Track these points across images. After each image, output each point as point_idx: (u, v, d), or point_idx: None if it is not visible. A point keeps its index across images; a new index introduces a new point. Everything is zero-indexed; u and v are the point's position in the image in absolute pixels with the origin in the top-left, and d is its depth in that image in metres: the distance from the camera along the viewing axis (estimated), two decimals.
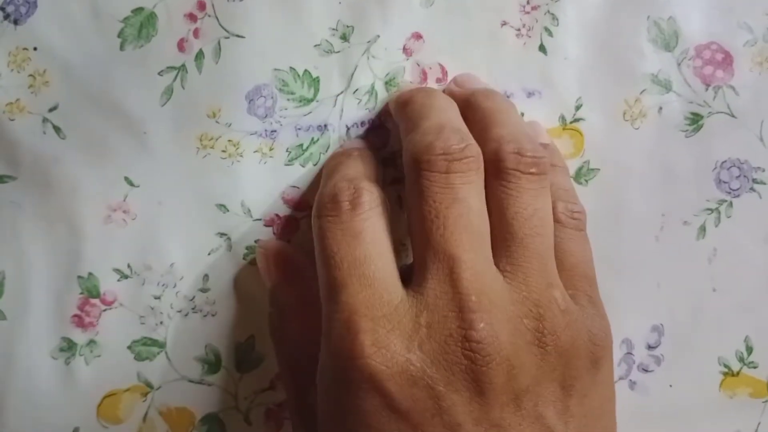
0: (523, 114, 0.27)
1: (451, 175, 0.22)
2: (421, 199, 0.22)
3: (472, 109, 0.25)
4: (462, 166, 0.22)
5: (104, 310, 0.27)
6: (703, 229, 0.28)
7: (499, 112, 0.24)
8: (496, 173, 0.22)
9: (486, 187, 0.23)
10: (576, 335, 0.21)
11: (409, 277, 0.22)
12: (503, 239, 0.22)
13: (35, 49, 0.26)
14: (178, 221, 0.27)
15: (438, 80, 0.27)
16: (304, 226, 0.27)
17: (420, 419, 0.19)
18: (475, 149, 0.22)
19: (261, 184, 0.27)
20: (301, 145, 0.27)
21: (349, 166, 0.25)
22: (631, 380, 0.28)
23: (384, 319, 0.20)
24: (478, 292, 0.20)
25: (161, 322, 0.27)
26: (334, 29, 0.27)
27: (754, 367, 0.28)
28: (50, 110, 0.26)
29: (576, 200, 0.25)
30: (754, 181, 0.28)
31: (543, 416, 0.20)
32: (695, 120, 0.27)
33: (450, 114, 0.24)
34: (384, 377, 0.19)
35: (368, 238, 0.22)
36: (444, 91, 0.27)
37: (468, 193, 0.22)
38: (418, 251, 0.22)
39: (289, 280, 0.26)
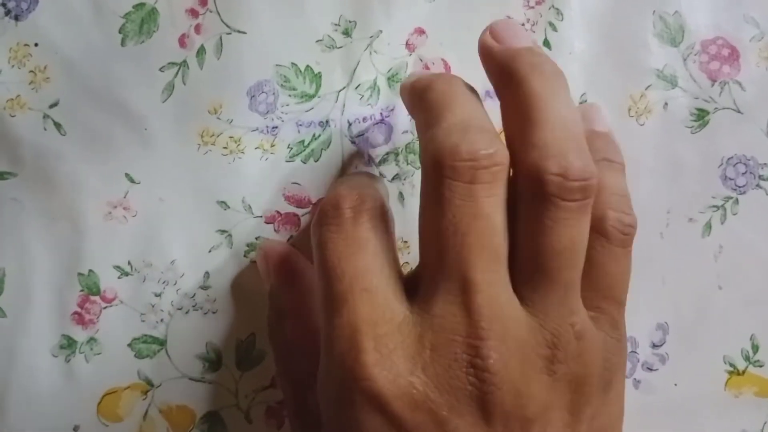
0: None
1: (476, 186, 0.19)
2: (440, 209, 0.19)
3: (513, 87, 0.21)
4: (488, 176, 0.19)
5: (104, 308, 0.27)
6: (708, 226, 0.27)
7: (546, 99, 0.20)
8: (534, 195, 0.19)
9: (520, 205, 0.20)
10: (589, 362, 0.20)
11: (414, 287, 0.21)
12: (529, 267, 0.20)
13: (36, 45, 0.26)
14: (178, 218, 0.26)
15: None
16: (305, 223, 0.27)
17: None
18: (503, 155, 0.19)
19: (262, 181, 0.27)
20: (303, 141, 0.27)
21: (353, 178, 0.24)
22: (635, 379, 0.27)
23: (386, 338, 0.19)
24: (490, 318, 0.19)
25: (162, 320, 0.27)
26: (336, 24, 0.27)
27: (760, 366, 0.28)
28: (51, 106, 0.26)
29: (630, 210, 0.22)
30: (761, 177, 0.27)
31: None
32: (701, 116, 0.27)
33: (475, 106, 0.21)
34: (388, 399, 0.19)
35: (371, 248, 0.20)
36: (480, 45, 0.22)
37: (492, 209, 0.19)
38: (428, 265, 0.20)
39: (288, 281, 0.25)
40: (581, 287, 0.21)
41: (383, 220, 0.21)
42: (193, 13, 0.26)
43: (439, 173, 0.19)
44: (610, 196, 0.22)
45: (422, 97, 0.22)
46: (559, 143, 0.19)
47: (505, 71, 0.21)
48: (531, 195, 0.19)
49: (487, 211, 0.19)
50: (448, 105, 0.21)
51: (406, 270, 0.24)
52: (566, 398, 0.20)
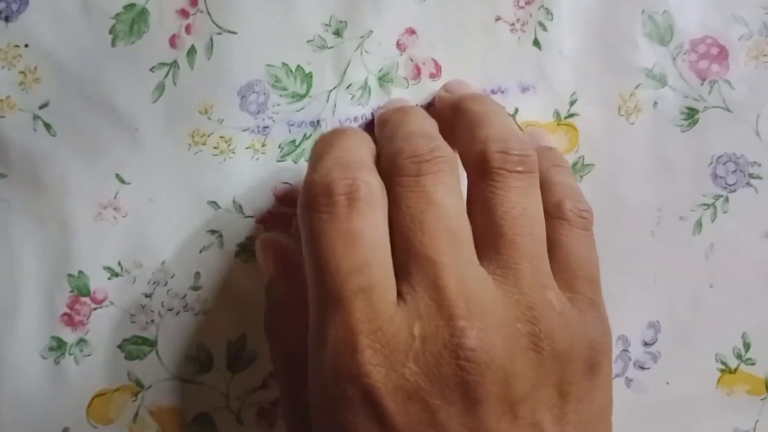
0: (517, 109, 0.27)
1: (422, 177, 0.21)
2: (395, 205, 0.21)
3: (460, 114, 0.24)
4: (432, 167, 0.21)
5: (94, 309, 0.26)
6: (699, 224, 0.27)
7: (487, 114, 0.23)
8: (482, 174, 0.22)
9: (473, 190, 0.22)
10: (574, 339, 0.20)
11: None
12: (492, 241, 0.21)
13: (26, 46, 0.26)
14: (169, 218, 0.26)
15: (432, 75, 0.27)
16: (296, 223, 0.27)
17: None
18: (445, 149, 0.21)
19: (253, 181, 0.26)
20: (294, 141, 0.27)
21: (343, 148, 0.22)
22: (627, 378, 0.27)
23: (380, 333, 0.19)
24: (466, 298, 0.19)
25: (152, 321, 0.26)
26: (327, 24, 0.27)
27: (752, 364, 0.28)
28: (41, 107, 0.26)
29: (583, 199, 0.24)
30: (750, 175, 0.27)
31: (540, 423, 0.20)
32: (691, 114, 0.27)
33: (421, 124, 0.23)
34: (379, 394, 0.19)
35: (367, 241, 0.20)
36: (435, 98, 0.27)
37: (442, 195, 0.21)
38: (400, 259, 0.21)
39: (285, 274, 0.25)
40: (553, 272, 0.22)
41: (377, 206, 0.21)
42: (184, 13, 0.26)
43: (390, 175, 0.21)
44: (564, 188, 0.23)
45: (381, 128, 0.24)
46: (498, 135, 0.22)
47: (455, 107, 0.25)
48: (480, 175, 0.22)
49: (437, 197, 0.21)
50: (399, 126, 0.23)
51: None
52: (554, 376, 0.20)
